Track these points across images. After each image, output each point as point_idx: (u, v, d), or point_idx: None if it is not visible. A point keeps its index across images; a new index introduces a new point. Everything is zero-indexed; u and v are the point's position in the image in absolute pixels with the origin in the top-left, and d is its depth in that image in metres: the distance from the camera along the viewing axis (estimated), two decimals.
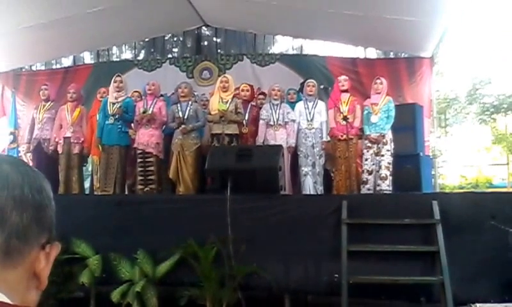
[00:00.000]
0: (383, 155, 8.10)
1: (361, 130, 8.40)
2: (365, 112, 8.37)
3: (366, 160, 8.17)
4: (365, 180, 8.14)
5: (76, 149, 8.65)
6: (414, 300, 6.16)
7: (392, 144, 8.16)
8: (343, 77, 8.77)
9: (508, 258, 5.70)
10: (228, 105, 8.35)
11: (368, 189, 8.08)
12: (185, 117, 8.33)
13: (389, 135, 8.16)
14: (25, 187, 0.93)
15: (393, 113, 8.22)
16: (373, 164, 8.13)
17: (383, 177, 8.05)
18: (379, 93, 8.38)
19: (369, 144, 8.17)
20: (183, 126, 8.25)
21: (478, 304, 6.35)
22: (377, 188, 8.05)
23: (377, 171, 8.11)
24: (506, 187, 19.96)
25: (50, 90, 9.31)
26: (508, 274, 5.71)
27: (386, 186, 8.02)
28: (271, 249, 6.34)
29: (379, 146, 8.10)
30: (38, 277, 0.96)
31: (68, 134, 8.69)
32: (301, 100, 9.14)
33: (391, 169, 8.09)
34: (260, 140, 8.52)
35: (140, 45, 13.19)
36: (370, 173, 8.12)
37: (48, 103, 9.14)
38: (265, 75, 11.44)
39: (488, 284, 5.99)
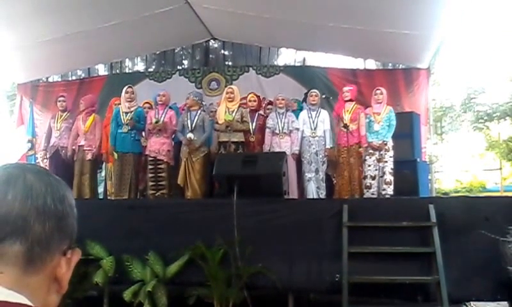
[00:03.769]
0: (386, 161, 8.13)
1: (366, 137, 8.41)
2: (367, 120, 8.39)
3: (369, 166, 8.18)
4: (368, 185, 8.15)
5: (89, 156, 8.65)
6: (411, 299, 6.17)
7: (392, 150, 8.19)
8: (347, 88, 8.80)
9: (501, 258, 5.69)
10: (234, 114, 8.37)
11: (372, 194, 8.10)
12: (193, 125, 8.35)
13: (390, 143, 8.19)
14: (48, 197, 0.94)
15: (394, 122, 8.26)
16: (376, 170, 8.15)
17: (388, 182, 8.08)
18: (379, 103, 8.41)
19: (371, 151, 8.19)
20: (191, 143, 8.23)
21: (472, 303, 6.37)
22: (383, 192, 8.07)
23: (381, 177, 8.14)
24: (499, 191, 19.88)
25: (67, 101, 9.35)
26: (501, 273, 5.70)
27: (391, 191, 8.05)
28: (275, 251, 6.34)
29: (382, 153, 8.14)
30: (58, 282, 0.96)
31: (82, 142, 8.72)
32: (301, 109, 9.19)
33: (393, 175, 8.12)
34: (266, 147, 8.53)
35: (151, 57, 13.21)
36: (373, 178, 8.14)
37: (65, 113, 9.18)
38: (270, 85, 11.46)
39: (482, 283, 5.99)
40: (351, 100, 8.65)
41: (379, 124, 8.25)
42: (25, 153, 10.57)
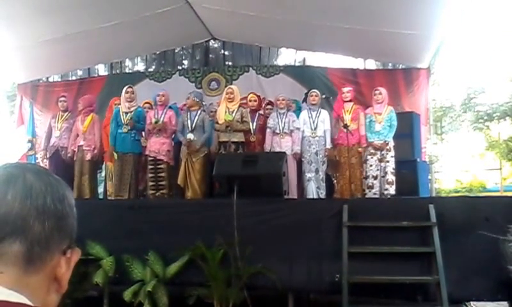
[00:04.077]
0: (388, 161, 8.15)
1: (366, 137, 8.41)
2: (367, 120, 8.40)
3: (371, 166, 8.19)
4: (370, 184, 8.16)
5: (88, 156, 8.64)
6: (411, 299, 6.16)
7: (394, 150, 8.20)
8: (346, 89, 8.83)
9: (501, 257, 5.69)
10: (234, 115, 8.38)
11: (375, 193, 8.10)
12: (193, 125, 8.34)
13: (392, 143, 8.21)
14: (48, 197, 0.94)
15: (395, 122, 8.27)
16: (377, 170, 8.16)
17: (390, 182, 8.10)
18: (379, 103, 8.42)
19: (373, 151, 8.20)
20: (191, 144, 8.23)
21: (472, 303, 6.37)
22: (385, 192, 8.09)
23: (383, 176, 8.15)
24: (499, 191, 19.91)
25: (68, 101, 9.35)
26: (501, 273, 5.70)
27: (393, 190, 8.06)
28: (275, 251, 6.34)
29: (383, 152, 8.15)
30: (58, 282, 0.96)
31: (81, 142, 8.72)
32: (299, 109, 9.21)
33: (395, 174, 8.13)
34: (267, 147, 8.54)
35: (152, 57, 13.21)
36: (375, 178, 8.15)
37: (66, 113, 9.18)
38: (270, 85, 11.45)
39: (482, 283, 5.99)
40: (350, 101, 8.68)
41: (380, 124, 8.26)
42: (25, 153, 10.57)
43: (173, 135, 8.69)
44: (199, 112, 8.55)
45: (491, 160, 23.84)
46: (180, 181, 8.24)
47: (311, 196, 8.24)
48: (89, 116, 8.86)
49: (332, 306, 6.35)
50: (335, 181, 9.14)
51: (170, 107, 8.94)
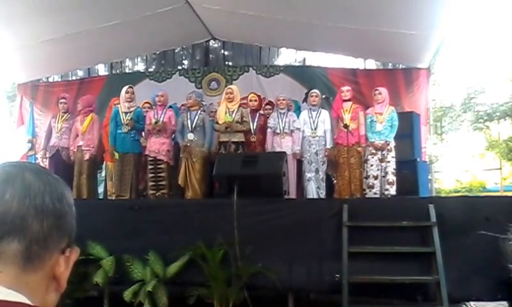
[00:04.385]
0: (388, 161, 8.13)
1: (365, 137, 8.40)
2: (368, 120, 8.39)
3: (371, 166, 8.18)
4: (371, 184, 8.14)
5: (86, 156, 8.64)
6: (411, 299, 6.16)
7: (394, 151, 8.19)
8: (346, 88, 8.81)
9: (501, 255, 5.68)
10: (233, 115, 8.37)
11: (375, 193, 8.09)
12: (193, 125, 8.35)
13: (392, 143, 8.19)
14: (47, 196, 0.93)
15: (396, 123, 8.26)
16: (378, 170, 8.14)
17: (391, 182, 8.08)
18: (380, 103, 8.40)
19: (373, 151, 8.19)
20: (190, 145, 8.25)
21: (472, 303, 6.36)
22: (386, 192, 8.07)
23: (384, 177, 8.13)
24: (499, 191, 19.88)
25: (68, 102, 9.34)
26: (501, 273, 5.69)
27: (393, 191, 8.05)
28: (275, 251, 6.34)
29: (384, 152, 8.13)
30: (57, 281, 0.96)
31: (80, 143, 8.72)
32: (299, 109, 9.21)
33: (395, 175, 8.12)
34: (268, 147, 8.54)
35: (152, 57, 13.21)
36: (376, 178, 8.13)
37: (66, 114, 9.17)
38: (270, 85, 11.45)
39: (482, 283, 5.99)
40: (349, 100, 8.67)
41: (381, 124, 8.24)
42: (26, 153, 10.57)
43: (173, 135, 8.69)
44: (199, 112, 8.55)
45: (491, 160, 23.80)
46: (180, 181, 8.24)
47: (311, 196, 8.23)
48: (88, 116, 8.86)
49: (332, 306, 6.35)
50: (335, 181, 9.14)
51: (170, 107, 8.94)
